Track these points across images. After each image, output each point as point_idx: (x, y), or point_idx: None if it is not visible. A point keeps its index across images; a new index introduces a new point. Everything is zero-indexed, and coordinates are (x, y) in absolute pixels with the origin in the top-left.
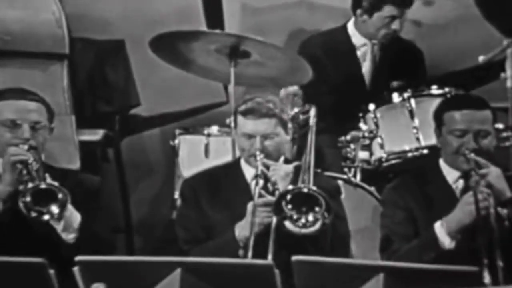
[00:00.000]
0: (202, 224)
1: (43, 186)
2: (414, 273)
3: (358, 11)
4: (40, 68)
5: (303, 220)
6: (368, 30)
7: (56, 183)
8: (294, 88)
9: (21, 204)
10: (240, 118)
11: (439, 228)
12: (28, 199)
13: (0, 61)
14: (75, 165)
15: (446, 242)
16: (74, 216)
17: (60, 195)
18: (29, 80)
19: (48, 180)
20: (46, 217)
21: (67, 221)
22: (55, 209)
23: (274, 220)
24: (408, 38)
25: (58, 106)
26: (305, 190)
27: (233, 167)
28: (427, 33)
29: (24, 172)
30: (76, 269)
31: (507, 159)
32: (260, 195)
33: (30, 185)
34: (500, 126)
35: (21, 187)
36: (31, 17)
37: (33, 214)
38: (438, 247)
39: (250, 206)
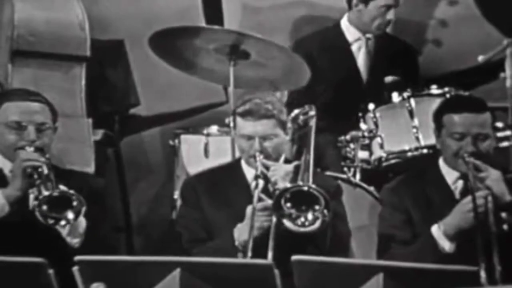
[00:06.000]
0: (203, 224)
1: (59, 193)
2: (413, 273)
3: (354, 1)
4: (62, 70)
5: (302, 219)
6: (363, 20)
7: (71, 191)
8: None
9: (37, 213)
10: (238, 119)
11: (437, 232)
12: (44, 207)
13: (22, 61)
14: (90, 167)
15: (446, 246)
16: (80, 221)
17: (75, 203)
18: (49, 81)
19: (61, 186)
20: (63, 223)
21: (73, 226)
22: (70, 215)
23: (274, 218)
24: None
25: (76, 109)
26: (305, 188)
27: (234, 167)
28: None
29: (35, 176)
30: (75, 268)
31: (507, 160)
32: (260, 199)
33: (45, 192)
34: (499, 125)
35: (34, 192)
36: (55, 19)
37: (50, 222)
38: (438, 251)
39: (249, 209)
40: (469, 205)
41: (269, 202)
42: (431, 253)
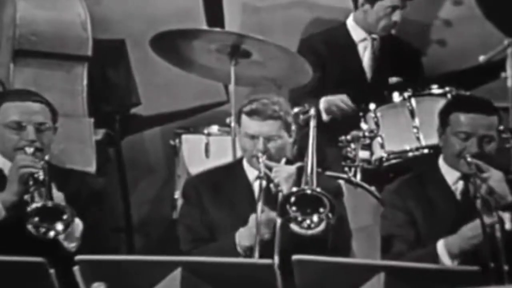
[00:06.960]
0: (204, 224)
1: (49, 205)
2: (414, 273)
3: (360, 0)
4: (64, 70)
5: (307, 222)
6: (368, 21)
7: (63, 203)
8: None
9: (29, 226)
10: (244, 118)
11: (442, 250)
12: (36, 219)
13: (24, 61)
14: (91, 167)
15: (449, 263)
16: (76, 225)
17: (66, 216)
18: (50, 81)
19: (54, 190)
20: (52, 233)
21: (69, 230)
22: (60, 226)
23: (279, 221)
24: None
25: (77, 109)
26: (309, 191)
27: (235, 167)
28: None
29: (31, 182)
30: (76, 268)
31: (508, 161)
32: (262, 211)
33: (38, 202)
34: (500, 127)
35: (26, 197)
36: (57, 19)
37: (42, 231)
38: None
39: (252, 220)
40: (478, 230)
41: (271, 214)
42: (432, 262)
